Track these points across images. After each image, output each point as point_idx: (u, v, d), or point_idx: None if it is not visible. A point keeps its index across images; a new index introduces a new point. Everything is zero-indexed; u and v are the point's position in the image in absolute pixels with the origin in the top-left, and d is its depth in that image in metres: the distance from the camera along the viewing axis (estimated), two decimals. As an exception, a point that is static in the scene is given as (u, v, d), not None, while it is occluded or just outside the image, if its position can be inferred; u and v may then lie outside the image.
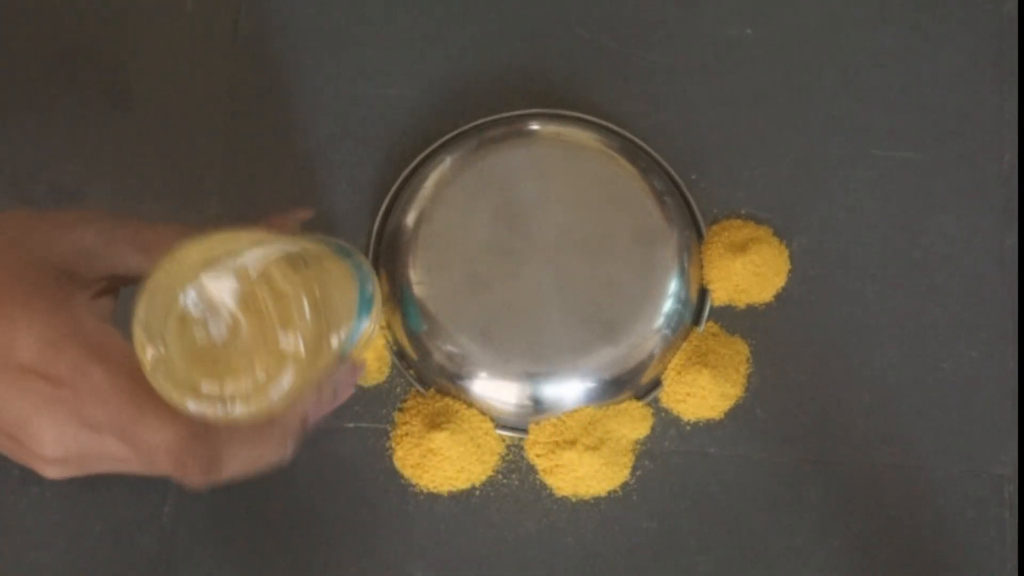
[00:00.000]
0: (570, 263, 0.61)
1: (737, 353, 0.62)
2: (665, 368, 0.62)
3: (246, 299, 0.38)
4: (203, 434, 0.40)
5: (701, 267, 0.63)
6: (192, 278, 0.38)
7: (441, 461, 0.60)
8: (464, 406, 0.61)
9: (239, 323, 0.38)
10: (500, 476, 0.61)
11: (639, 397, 0.62)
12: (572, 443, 0.60)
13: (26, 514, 0.60)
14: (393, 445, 0.61)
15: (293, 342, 0.38)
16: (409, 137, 0.65)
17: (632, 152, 0.64)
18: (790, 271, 0.64)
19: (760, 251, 0.62)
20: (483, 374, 0.60)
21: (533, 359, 0.60)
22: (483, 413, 0.61)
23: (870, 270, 0.64)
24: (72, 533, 0.61)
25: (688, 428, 0.62)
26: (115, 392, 0.40)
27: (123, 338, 0.40)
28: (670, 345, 0.62)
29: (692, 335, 0.63)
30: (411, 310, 0.61)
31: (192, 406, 0.38)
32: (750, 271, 0.62)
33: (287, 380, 0.38)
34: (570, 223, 0.61)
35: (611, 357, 0.60)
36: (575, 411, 0.61)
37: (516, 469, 0.61)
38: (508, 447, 0.61)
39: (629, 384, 0.61)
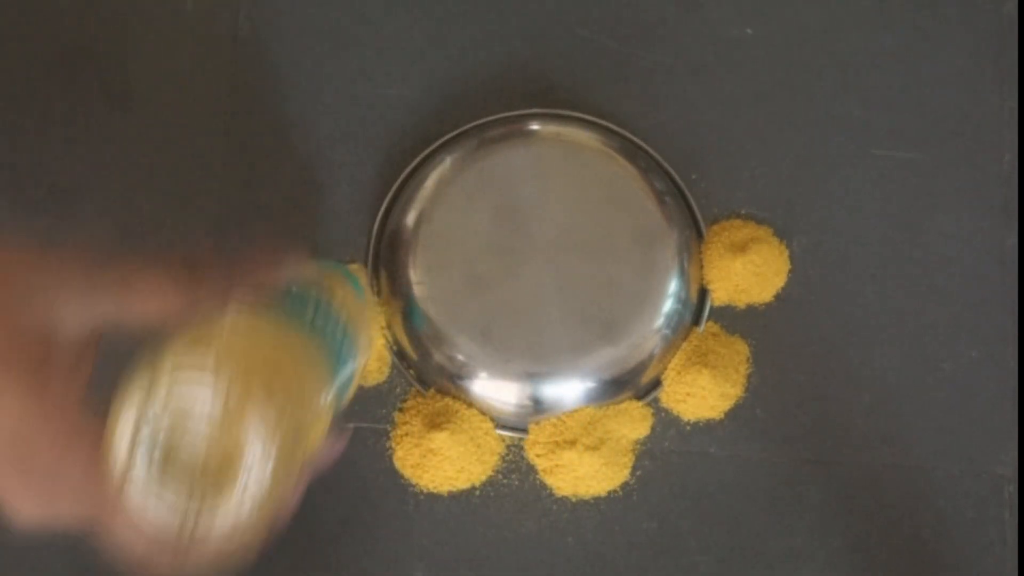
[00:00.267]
0: (570, 263, 0.61)
1: (737, 353, 0.62)
2: (665, 368, 0.62)
3: (212, 421, 0.38)
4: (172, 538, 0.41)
5: (701, 267, 0.63)
6: (162, 395, 0.38)
7: (441, 461, 0.60)
8: (464, 406, 0.61)
9: (208, 439, 0.38)
10: (500, 476, 0.61)
11: (639, 397, 0.62)
12: (572, 443, 0.60)
13: (26, 514, 0.60)
14: (393, 445, 0.61)
15: (260, 457, 0.38)
16: (409, 137, 0.65)
17: (632, 152, 0.64)
18: (790, 271, 0.64)
19: (760, 251, 0.62)
20: (483, 374, 0.60)
21: (533, 359, 0.60)
22: (483, 413, 0.61)
23: (870, 270, 0.64)
24: (72, 533, 0.60)
25: (688, 428, 0.62)
26: (88, 494, 0.41)
27: (96, 423, 0.40)
28: (670, 345, 0.62)
29: (692, 335, 0.63)
30: (411, 310, 0.61)
31: (166, 519, 0.39)
32: (750, 271, 0.62)
33: (261, 487, 0.39)
34: (570, 223, 0.61)
35: (611, 357, 0.60)
36: (575, 411, 0.61)
37: (516, 469, 0.61)
38: (508, 447, 0.61)
39: (629, 384, 0.61)
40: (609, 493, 0.61)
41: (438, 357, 0.61)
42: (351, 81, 0.66)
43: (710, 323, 0.63)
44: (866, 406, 0.62)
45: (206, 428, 0.38)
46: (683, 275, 0.62)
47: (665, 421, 0.62)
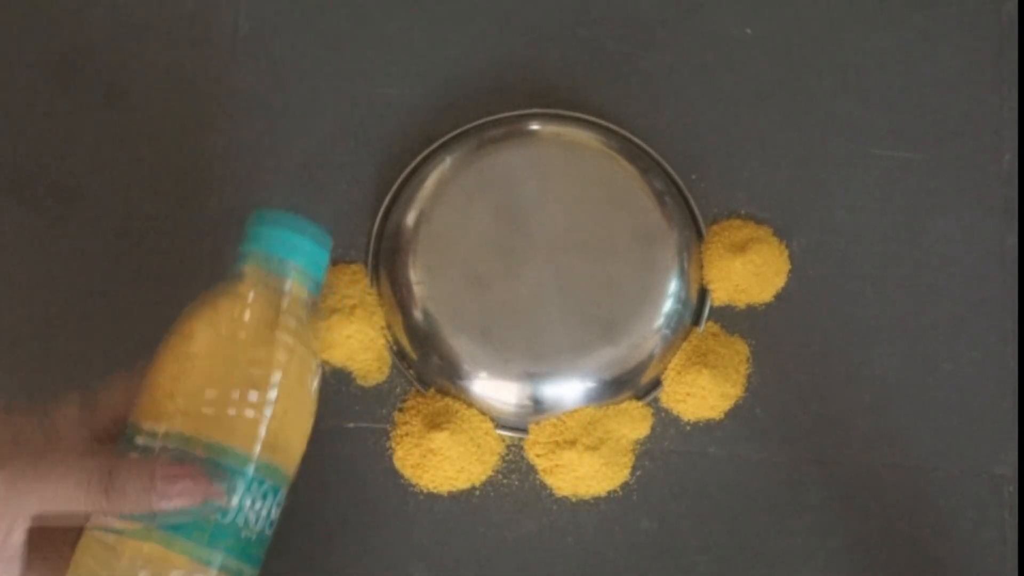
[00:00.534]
0: (570, 263, 0.61)
1: (737, 353, 0.62)
2: (665, 368, 0.62)
3: None
4: None
5: (701, 267, 0.63)
6: None
7: (441, 461, 0.60)
8: (464, 406, 0.61)
9: None
10: (500, 476, 0.61)
11: (639, 397, 0.62)
12: (572, 443, 0.60)
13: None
14: (393, 445, 0.61)
15: None
16: (409, 137, 0.65)
17: (632, 152, 0.64)
18: (790, 271, 0.64)
19: (760, 251, 0.62)
20: (483, 374, 0.60)
21: (533, 359, 0.60)
22: (483, 413, 0.61)
23: (870, 270, 0.64)
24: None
25: (688, 428, 0.62)
26: None
27: None
28: (670, 345, 0.62)
29: (692, 335, 0.63)
30: (411, 310, 0.61)
31: None
32: (750, 271, 0.62)
33: None
34: (570, 223, 0.61)
35: (611, 357, 0.60)
36: (575, 411, 0.61)
37: (516, 469, 0.61)
38: (508, 447, 0.61)
39: (629, 384, 0.61)
40: (609, 493, 0.61)
41: (438, 357, 0.61)
42: (351, 81, 0.66)
43: (710, 323, 0.63)
44: (866, 406, 0.62)
45: None
46: (683, 275, 0.62)
47: (665, 421, 0.62)
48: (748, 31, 0.67)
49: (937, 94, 0.66)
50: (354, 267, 0.63)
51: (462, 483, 0.61)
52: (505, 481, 0.61)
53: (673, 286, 0.61)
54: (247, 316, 0.46)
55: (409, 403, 0.62)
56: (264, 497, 0.46)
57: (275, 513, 0.47)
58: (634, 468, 0.61)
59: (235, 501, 0.44)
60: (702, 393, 0.61)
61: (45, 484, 0.42)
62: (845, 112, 0.66)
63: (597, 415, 0.61)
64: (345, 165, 0.65)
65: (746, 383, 0.62)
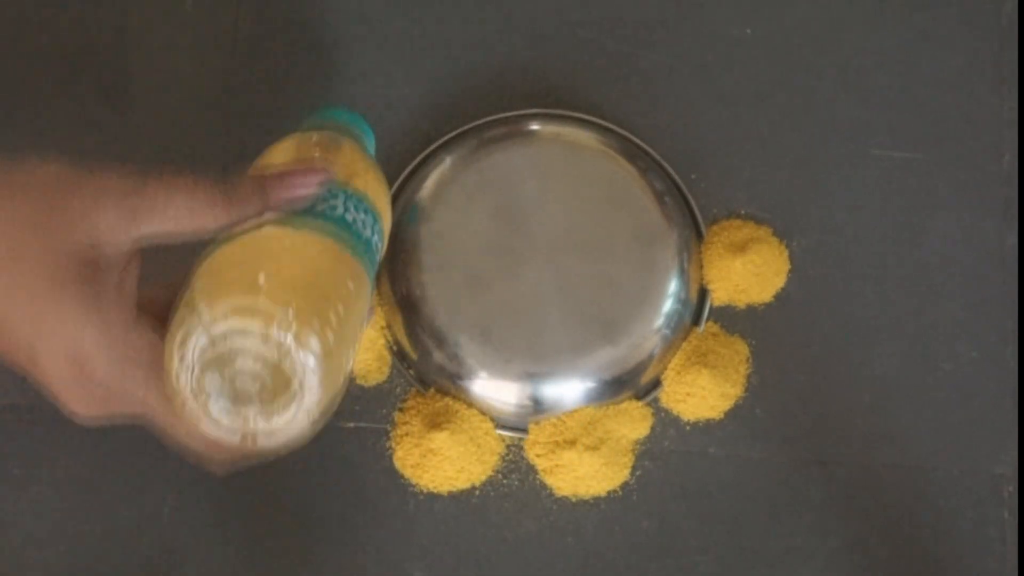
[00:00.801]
0: (570, 263, 0.61)
1: (737, 353, 0.62)
2: (665, 368, 0.62)
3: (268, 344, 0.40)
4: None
5: (701, 267, 0.63)
6: (219, 323, 0.40)
7: (441, 461, 0.60)
8: (464, 406, 0.61)
9: (264, 361, 0.40)
10: (500, 476, 0.61)
11: (639, 397, 0.62)
12: (572, 443, 0.60)
13: (26, 514, 0.60)
14: (393, 445, 0.61)
15: (315, 361, 0.41)
16: (409, 137, 0.65)
17: (632, 152, 0.64)
18: (790, 271, 0.64)
19: (760, 251, 0.62)
20: (483, 374, 0.60)
21: (533, 359, 0.60)
22: (483, 413, 0.61)
23: (870, 270, 0.64)
24: (72, 533, 0.61)
25: (688, 428, 0.62)
26: (146, 405, 0.43)
27: (150, 335, 0.42)
28: (670, 345, 0.62)
29: (692, 335, 0.63)
30: (411, 310, 0.61)
31: (228, 431, 0.41)
32: (750, 271, 0.62)
33: (314, 399, 0.41)
34: (570, 223, 0.61)
35: (611, 357, 0.60)
36: (575, 411, 0.61)
37: (516, 469, 0.61)
38: (508, 447, 0.61)
39: (629, 384, 0.61)
40: (609, 493, 0.61)
41: (438, 357, 0.61)
42: (351, 81, 0.66)
43: (710, 323, 0.63)
44: (866, 406, 0.62)
45: (261, 350, 0.40)
46: (683, 275, 0.62)
47: (665, 421, 0.62)
48: (748, 31, 0.67)
49: (937, 94, 0.66)
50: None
51: (462, 483, 0.61)
52: (505, 481, 0.61)
53: (673, 286, 0.61)
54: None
55: (409, 403, 0.62)
56: (365, 213, 0.47)
57: (377, 239, 0.48)
58: (634, 468, 0.61)
59: (341, 200, 0.46)
60: (702, 393, 0.61)
61: (169, 200, 0.43)
62: (845, 112, 0.66)
63: (597, 415, 0.61)
64: (345, 165, 0.65)
65: (746, 383, 0.62)
